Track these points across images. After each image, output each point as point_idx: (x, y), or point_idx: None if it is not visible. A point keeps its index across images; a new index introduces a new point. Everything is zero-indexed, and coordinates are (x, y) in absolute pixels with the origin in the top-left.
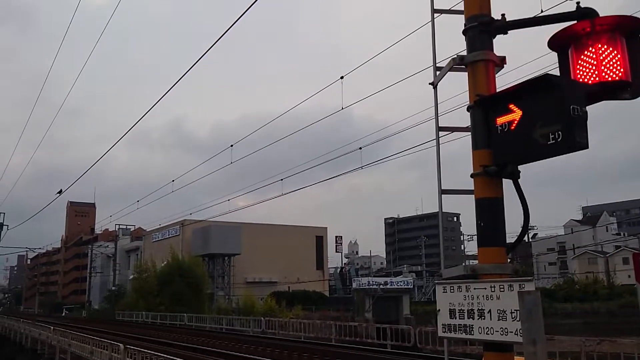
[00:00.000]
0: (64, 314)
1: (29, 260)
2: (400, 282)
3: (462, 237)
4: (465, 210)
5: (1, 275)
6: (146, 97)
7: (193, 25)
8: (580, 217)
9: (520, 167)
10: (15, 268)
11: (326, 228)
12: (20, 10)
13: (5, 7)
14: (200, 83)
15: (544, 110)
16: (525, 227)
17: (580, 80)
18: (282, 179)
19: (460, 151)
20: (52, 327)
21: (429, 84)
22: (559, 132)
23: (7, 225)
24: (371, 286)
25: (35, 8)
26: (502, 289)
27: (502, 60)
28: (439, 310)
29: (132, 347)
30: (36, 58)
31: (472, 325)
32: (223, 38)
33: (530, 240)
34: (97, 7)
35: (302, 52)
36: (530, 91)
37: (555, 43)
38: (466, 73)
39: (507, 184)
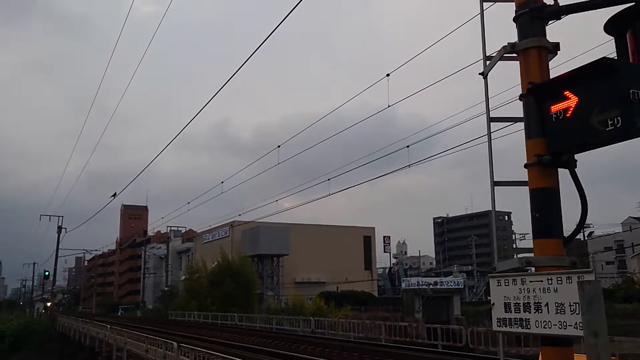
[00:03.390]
0: (119, 314)
1: (86, 262)
2: (451, 282)
3: (513, 235)
4: (517, 208)
5: (60, 276)
6: (191, 101)
7: (236, 30)
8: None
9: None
10: (74, 270)
11: (374, 228)
12: (72, 20)
13: (58, 17)
14: (242, 86)
15: (601, 95)
16: (583, 217)
17: None
18: (329, 179)
19: (503, 150)
20: (109, 326)
21: (479, 74)
22: (618, 118)
23: (66, 228)
24: (420, 286)
25: (87, 17)
26: (560, 281)
27: (555, 47)
28: (493, 303)
29: (185, 345)
30: (88, 66)
31: (529, 319)
32: (265, 40)
33: (587, 238)
34: (145, 14)
35: (345, 51)
36: (587, 76)
37: (612, 26)
38: (517, 62)
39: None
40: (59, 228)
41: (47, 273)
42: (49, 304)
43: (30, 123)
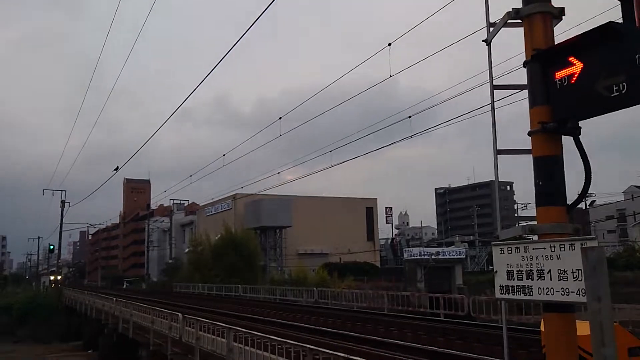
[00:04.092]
0: (124, 287)
1: (90, 236)
2: (453, 252)
3: (515, 205)
4: (518, 179)
5: (65, 250)
6: (192, 75)
7: (234, 2)
8: None
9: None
10: (78, 243)
11: (376, 199)
12: None
13: None
14: (241, 59)
15: (607, 61)
16: (587, 184)
17: None
18: (330, 151)
19: (506, 122)
20: (114, 299)
21: (482, 41)
22: (624, 84)
23: (69, 203)
24: (422, 256)
25: None
26: (563, 249)
27: (560, 12)
28: (496, 271)
29: (190, 316)
30: (86, 41)
31: (531, 286)
32: (264, 12)
33: (588, 207)
34: None
35: (346, 22)
36: (592, 42)
37: None
38: (521, 29)
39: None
40: (63, 202)
41: (51, 247)
42: (57, 277)
43: (30, 99)
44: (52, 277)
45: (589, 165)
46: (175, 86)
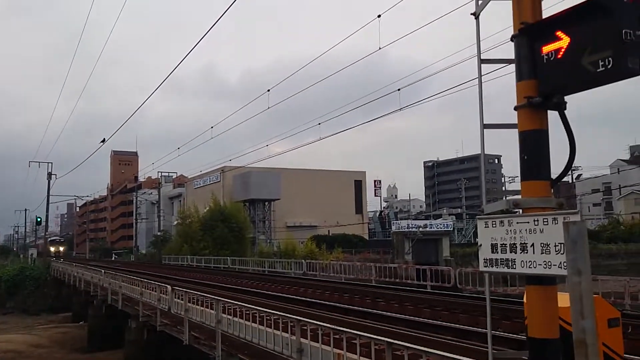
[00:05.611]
0: (113, 259)
1: (77, 208)
2: (440, 224)
3: (502, 178)
4: (507, 151)
5: (52, 222)
6: (179, 44)
7: None
8: (628, 157)
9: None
10: (66, 216)
11: (365, 172)
12: None
13: None
14: (229, 29)
15: (593, 35)
16: (571, 159)
17: (634, 1)
18: (319, 123)
19: (494, 94)
20: (103, 271)
21: (471, 14)
22: (610, 59)
23: (56, 175)
24: (410, 229)
25: None
26: (546, 222)
27: None
28: (481, 245)
29: (179, 288)
30: (71, 9)
31: (514, 259)
32: None
33: (574, 181)
34: None
35: None
36: (579, 16)
37: None
38: (510, 2)
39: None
40: (49, 174)
41: (39, 219)
42: (59, 248)
43: (13, 68)
44: (52, 249)
45: (574, 140)
46: (163, 55)
